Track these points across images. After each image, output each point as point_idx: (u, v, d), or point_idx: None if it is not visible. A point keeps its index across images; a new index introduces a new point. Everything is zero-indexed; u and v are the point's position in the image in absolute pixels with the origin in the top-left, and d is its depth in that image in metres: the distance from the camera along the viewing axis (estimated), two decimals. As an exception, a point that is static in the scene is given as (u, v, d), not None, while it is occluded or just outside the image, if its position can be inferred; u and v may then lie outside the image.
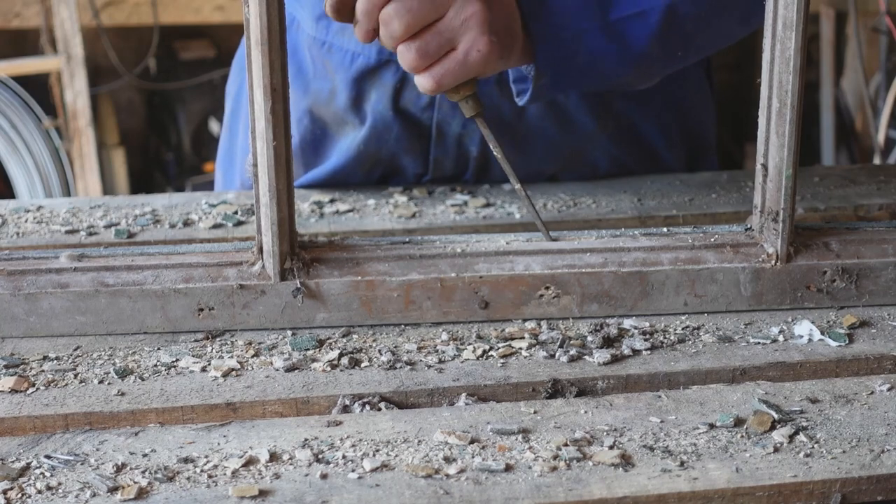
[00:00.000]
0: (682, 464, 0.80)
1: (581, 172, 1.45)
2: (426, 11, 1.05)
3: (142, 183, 4.07)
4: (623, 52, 1.21)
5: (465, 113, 1.13)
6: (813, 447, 0.82)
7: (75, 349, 0.98)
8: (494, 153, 1.13)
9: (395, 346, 0.98)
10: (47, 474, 0.79)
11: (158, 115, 4.18)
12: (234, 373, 0.94)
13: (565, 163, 1.44)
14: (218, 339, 1.00)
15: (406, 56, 1.07)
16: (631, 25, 1.20)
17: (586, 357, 0.96)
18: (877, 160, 3.32)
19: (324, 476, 0.78)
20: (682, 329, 1.01)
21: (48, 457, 0.81)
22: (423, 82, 1.09)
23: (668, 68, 1.30)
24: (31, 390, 0.91)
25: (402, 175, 1.43)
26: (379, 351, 0.97)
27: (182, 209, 1.32)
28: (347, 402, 0.90)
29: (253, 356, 0.97)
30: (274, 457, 0.81)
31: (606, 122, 1.42)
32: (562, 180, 1.44)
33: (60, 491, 0.77)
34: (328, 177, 1.42)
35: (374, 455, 0.81)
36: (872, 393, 0.90)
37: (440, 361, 0.96)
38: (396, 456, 0.81)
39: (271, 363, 0.95)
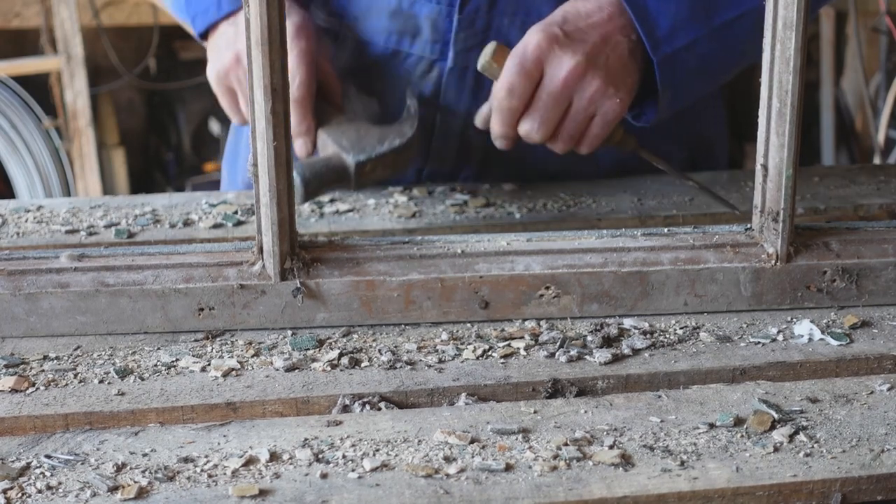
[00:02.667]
0: (682, 463, 0.80)
1: (584, 172, 1.45)
2: (558, 114, 1.20)
3: (142, 183, 4.07)
4: (727, 54, 1.28)
5: (625, 150, 1.27)
6: (813, 447, 0.82)
7: (75, 349, 0.98)
8: (661, 167, 1.29)
9: (395, 346, 0.98)
10: (47, 474, 0.79)
11: (158, 115, 4.18)
12: (234, 372, 0.94)
13: (568, 162, 1.44)
14: (218, 338, 1.00)
15: (557, 145, 1.24)
16: (734, 27, 1.26)
17: (586, 357, 0.96)
18: (877, 160, 3.32)
19: (324, 476, 0.78)
20: (682, 329, 1.01)
21: (48, 456, 0.81)
22: (579, 152, 1.26)
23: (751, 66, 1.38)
24: (31, 390, 0.91)
25: None
26: (379, 351, 0.97)
27: (182, 209, 1.33)
28: (347, 402, 0.90)
29: (253, 356, 0.97)
30: (274, 456, 0.81)
31: None
32: (565, 179, 1.45)
33: (60, 490, 0.77)
34: None
35: (374, 455, 0.81)
36: (872, 393, 0.91)
37: (440, 361, 0.96)
38: (396, 456, 0.81)
39: (271, 363, 0.95)
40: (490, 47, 1.23)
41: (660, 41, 1.21)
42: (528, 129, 1.21)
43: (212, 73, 1.35)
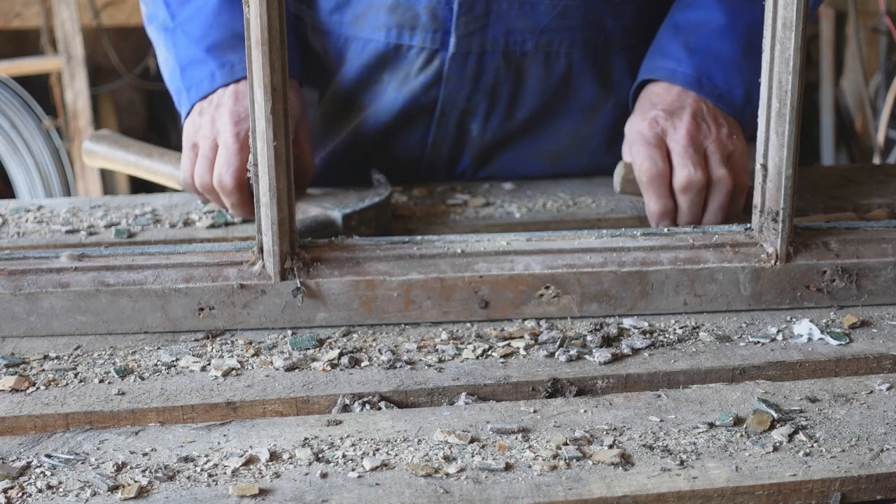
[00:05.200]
0: (681, 463, 0.80)
1: (579, 163, 1.46)
2: (699, 157, 1.21)
3: (142, 183, 4.07)
4: None
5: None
6: (812, 446, 0.82)
7: (76, 349, 0.98)
8: None
9: (395, 346, 0.99)
10: (48, 473, 0.79)
11: (158, 115, 4.18)
12: (234, 372, 0.94)
13: (563, 144, 1.45)
14: (218, 338, 1.00)
15: (718, 187, 1.21)
16: None
17: (586, 356, 0.96)
18: (876, 160, 3.32)
19: (324, 475, 0.78)
20: (682, 328, 1.02)
21: (49, 456, 0.81)
22: (738, 183, 1.23)
23: None
24: (31, 390, 0.91)
25: (396, 157, 1.44)
26: (379, 350, 0.98)
27: (182, 209, 1.33)
28: (347, 402, 0.90)
29: (253, 355, 0.97)
30: (274, 456, 0.81)
31: (607, 91, 1.44)
32: (561, 169, 1.45)
33: (61, 490, 0.77)
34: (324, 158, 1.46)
35: (374, 454, 0.81)
36: (871, 392, 0.91)
37: (440, 361, 0.96)
38: (396, 455, 0.81)
39: (271, 362, 0.95)
40: (618, 170, 1.25)
41: (741, 108, 1.27)
42: (685, 173, 1.19)
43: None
